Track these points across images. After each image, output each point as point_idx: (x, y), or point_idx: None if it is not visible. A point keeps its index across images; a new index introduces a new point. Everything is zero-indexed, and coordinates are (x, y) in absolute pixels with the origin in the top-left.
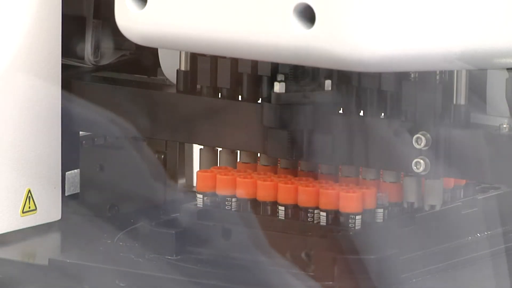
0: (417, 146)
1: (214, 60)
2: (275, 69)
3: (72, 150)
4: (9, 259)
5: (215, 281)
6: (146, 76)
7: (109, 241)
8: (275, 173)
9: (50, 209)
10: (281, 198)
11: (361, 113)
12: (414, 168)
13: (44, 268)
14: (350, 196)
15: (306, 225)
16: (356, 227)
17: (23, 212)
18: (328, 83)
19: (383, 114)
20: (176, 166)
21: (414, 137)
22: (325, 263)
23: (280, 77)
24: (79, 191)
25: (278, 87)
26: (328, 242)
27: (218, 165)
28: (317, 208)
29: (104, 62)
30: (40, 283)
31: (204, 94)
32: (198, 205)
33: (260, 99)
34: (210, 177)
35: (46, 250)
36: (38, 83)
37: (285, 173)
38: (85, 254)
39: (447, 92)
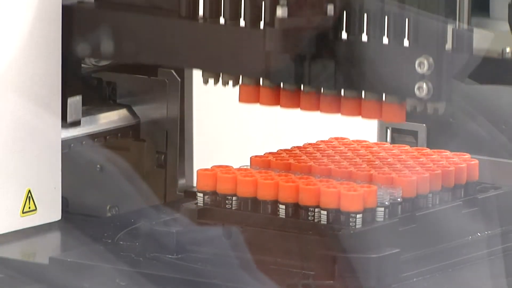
0: (420, 71)
1: None
2: None
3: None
4: (10, 258)
5: (216, 280)
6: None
7: (110, 241)
8: (278, 96)
9: (50, 209)
10: (282, 197)
11: (364, 38)
12: (417, 92)
13: (44, 267)
14: (351, 195)
15: (307, 223)
16: (357, 226)
17: (23, 212)
18: (330, 8)
19: (386, 38)
20: (176, 165)
21: (417, 61)
22: (325, 262)
23: (282, 1)
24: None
25: (281, 11)
26: (328, 241)
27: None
28: (317, 207)
29: (104, 62)
30: (40, 282)
31: (207, 20)
32: (198, 204)
33: (262, 24)
34: (210, 176)
35: (46, 249)
36: (38, 83)
37: (287, 96)
38: (85, 253)
39: (450, 13)
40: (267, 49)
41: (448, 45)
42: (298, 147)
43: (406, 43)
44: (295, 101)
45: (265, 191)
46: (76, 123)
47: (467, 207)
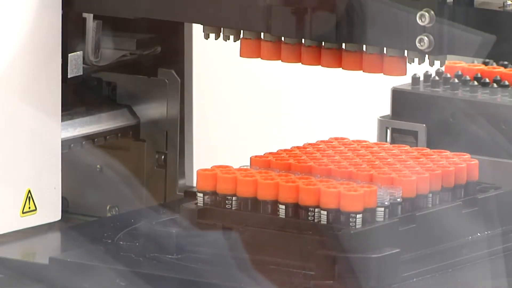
0: (421, 23)
1: None
2: None
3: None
4: (10, 258)
5: (216, 280)
6: None
7: (110, 241)
8: (279, 50)
9: (50, 209)
10: (282, 197)
11: None
12: (418, 45)
13: (44, 267)
14: (351, 195)
15: (307, 224)
16: (357, 226)
17: (23, 212)
18: None
19: None
20: (176, 166)
21: (418, 14)
22: (325, 263)
23: None
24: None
25: None
26: (328, 241)
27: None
28: (317, 207)
29: (104, 62)
30: (40, 282)
31: None
32: (198, 204)
33: None
34: (210, 176)
35: (46, 249)
36: (38, 83)
37: (288, 49)
38: (85, 253)
39: None
40: (268, 2)
41: None
42: (298, 147)
43: None
44: (296, 55)
45: (265, 191)
46: (77, 78)
47: (467, 207)
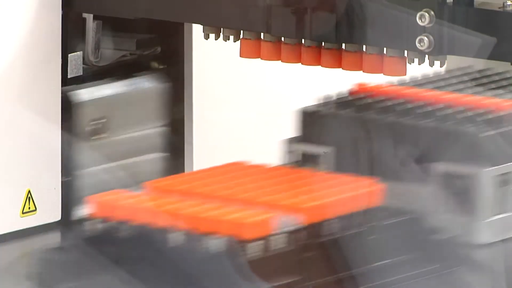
0: (421, 23)
1: None
2: None
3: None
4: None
5: None
6: None
7: None
8: (279, 50)
9: (50, 210)
10: (179, 224)
11: None
12: (418, 45)
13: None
14: (250, 222)
15: (204, 252)
16: (257, 254)
17: (23, 213)
18: None
19: None
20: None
21: (418, 14)
22: None
23: None
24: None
25: None
26: (232, 268)
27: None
28: (216, 234)
29: (104, 62)
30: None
31: None
32: (91, 231)
33: None
34: (104, 203)
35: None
36: (38, 83)
37: (288, 49)
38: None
39: None
40: (268, 2)
41: None
42: (199, 171)
43: None
44: (296, 56)
45: (159, 218)
46: (77, 79)
47: (372, 233)
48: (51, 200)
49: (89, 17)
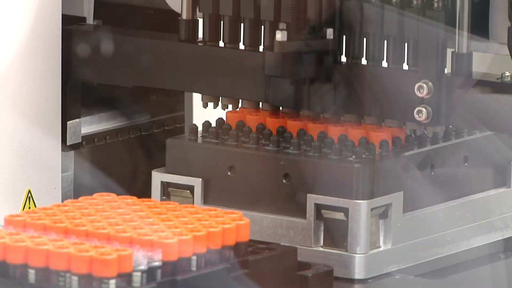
0: (419, 95)
1: (216, 5)
2: (277, 16)
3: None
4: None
5: None
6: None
7: None
8: (277, 116)
9: None
10: (32, 261)
11: (363, 62)
12: (416, 116)
13: None
14: (103, 259)
15: None
16: None
17: None
18: (330, 32)
19: (385, 62)
20: None
21: (416, 85)
22: None
23: (282, 25)
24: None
25: (280, 35)
26: None
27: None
28: (68, 271)
29: None
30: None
31: (206, 43)
32: None
33: (262, 47)
34: None
35: None
36: (38, 83)
37: (287, 117)
38: None
39: (449, 37)
40: (266, 72)
41: (448, 69)
42: (58, 205)
43: (405, 67)
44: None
45: (14, 254)
46: (76, 146)
47: (236, 270)
48: (51, 200)
49: (89, 16)
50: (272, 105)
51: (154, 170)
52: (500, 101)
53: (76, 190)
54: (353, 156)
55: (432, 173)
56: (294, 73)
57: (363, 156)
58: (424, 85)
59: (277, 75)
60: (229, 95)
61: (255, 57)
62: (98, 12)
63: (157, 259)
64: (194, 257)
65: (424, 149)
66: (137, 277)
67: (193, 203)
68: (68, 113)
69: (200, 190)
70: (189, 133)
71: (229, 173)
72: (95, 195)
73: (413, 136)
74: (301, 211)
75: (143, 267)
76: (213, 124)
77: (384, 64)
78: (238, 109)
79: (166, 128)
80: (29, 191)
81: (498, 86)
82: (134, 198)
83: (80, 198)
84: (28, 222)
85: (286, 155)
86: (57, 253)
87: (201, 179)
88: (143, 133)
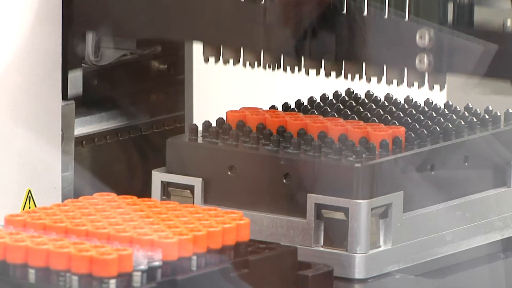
0: (421, 43)
1: None
2: None
3: None
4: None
5: None
6: None
7: None
8: (277, 116)
9: None
10: (32, 261)
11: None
12: (418, 65)
13: None
14: (103, 259)
15: None
16: None
17: None
18: None
19: (386, 11)
20: None
21: (418, 33)
22: None
23: None
24: None
25: None
26: None
27: (222, 49)
28: (68, 271)
29: (105, 62)
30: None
31: None
32: None
33: None
34: None
35: None
36: (38, 84)
37: (287, 117)
38: None
39: None
40: (268, 21)
41: (449, 18)
42: (58, 205)
43: (407, 16)
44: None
45: (15, 254)
46: (77, 97)
47: (236, 270)
48: (51, 200)
49: None
50: (274, 54)
51: (154, 170)
52: (501, 50)
53: (76, 190)
54: (353, 156)
55: (432, 173)
56: (295, 22)
57: (363, 156)
58: (426, 34)
59: (278, 24)
60: (230, 45)
61: (256, 5)
62: None
63: (157, 258)
64: (194, 257)
65: (424, 149)
66: (137, 277)
67: (193, 203)
68: (69, 64)
69: (200, 189)
70: (189, 133)
71: (229, 173)
72: (95, 195)
73: (413, 136)
74: (301, 211)
75: (143, 267)
76: (213, 124)
77: (386, 12)
78: (238, 109)
79: (166, 128)
80: (29, 191)
81: (500, 35)
82: (134, 197)
83: (80, 198)
84: (28, 222)
85: (286, 155)
86: (57, 253)
87: (201, 179)
88: (143, 133)
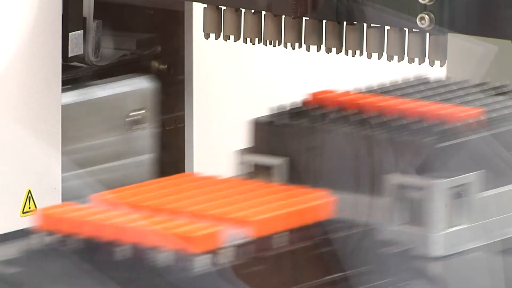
0: (422, 1)
1: None
2: None
3: None
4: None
5: None
6: None
7: None
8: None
9: None
10: (125, 238)
11: None
12: (419, 23)
13: None
14: (197, 235)
15: (149, 265)
16: (204, 267)
17: (23, 213)
18: None
19: None
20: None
21: None
22: None
23: None
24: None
25: None
26: (172, 285)
27: (223, 25)
28: (163, 247)
29: (105, 62)
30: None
31: None
32: (40, 243)
33: None
34: (52, 215)
35: None
36: (38, 83)
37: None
38: None
39: None
40: None
41: None
42: (147, 183)
43: None
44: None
45: (106, 232)
46: (78, 58)
47: (322, 247)
48: (51, 200)
49: (89, 16)
50: (275, 14)
51: (239, 149)
52: (503, 8)
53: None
54: (433, 137)
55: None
56: None
57: (442, 136)
58: None
59: None
60: (231, 4)
61: None
62: (98, 12)
63: (246, 236)
64: (281, 234)
65: (504, 129)
66: (226, 253)
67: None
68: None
69: (284, 169)
70: (273, 113)
71: (312, 153)
72: (178, 175)
73: (494, 115)
74: (381, 190)
75: (232, 243)
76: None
77: None
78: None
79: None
80: (29, 191)
81: None
82: (219, 176)
83: (164, 178)
84: (117, 200)
85: (367, 135)
86: (147, 231)
87: (284, 159)
88: None
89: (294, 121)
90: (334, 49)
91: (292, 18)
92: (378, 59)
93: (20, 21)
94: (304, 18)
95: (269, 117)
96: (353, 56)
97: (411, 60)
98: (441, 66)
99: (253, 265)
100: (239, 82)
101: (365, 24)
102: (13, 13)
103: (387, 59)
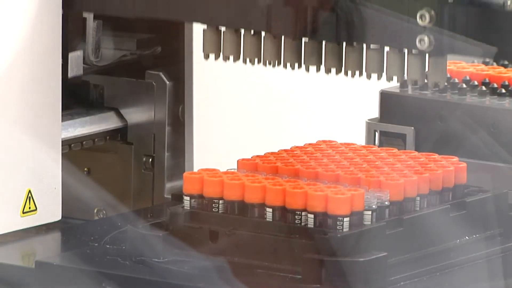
0: (421, 23)
1: None
2: None
3: None
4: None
5: (202, 284)
6: None
7: (96, 244)
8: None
9: (50, 209)
10: (269, 200)
11: None
12: (418, 45)
13: (31, 271)
14: (338, 198)
15: (294, 227)
16: (344, 230)
17: (23, 213)
18: None
19: None
20: (164, 168)
21: (418, 13)
22: (312, 266)
23: None
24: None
25: None
26: (315, 245)
27: (222, 46)
28: (304, 210)
29: (105, 62)
30: (26, 286)
31: None
32: (185, 208)
33: None
34: (197, 179)
35: (46, 250)
36: (38, 84)
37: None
38: (71, 256)
39: None
40: (268, 2)
41: None
42: (286, 150)
43: None
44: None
45: (252, 194)
46: (77, 78)
47: (455, 211)
48: (51, 200)
49: (89, 17)
50: (275, 34)
51: (368, 119)
52: (502, 29)
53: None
54: None
55: None
56: (296, 2)
57: None
58: (426, 13)
59: (279, 4)
60: (231, 26)
61: None
62: None
63: (386, 199)
64: (418, 198)
65: None
66: (368, 215)
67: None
68: (69, 44)
69: (412, 138)
70: (400, 85)
71: (438, 122)
72: (319, 141)
73: None
74: (507, 158)
75: (373, 206)
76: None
77: None
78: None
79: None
80: (29, 191)
81: (501, 14)
82: (356, 144)
83: (305, 144)
84: (261, 165)
85: (492, 105)
86: (293, 193)
87: (412, 128)
88: None
89: (422, 91)
90: (333, 70)
91: (292, 39)
92: (378, 79)
93: (20, 21)
94: (303, 39)
95: (398, 88)
96: (352, 77)
97: (410, 81)
98: (440, 87)
99: (391, 227)
100: (239, 82)
101: (364, 45)
102: (13, 13)
103: (387, 80)
